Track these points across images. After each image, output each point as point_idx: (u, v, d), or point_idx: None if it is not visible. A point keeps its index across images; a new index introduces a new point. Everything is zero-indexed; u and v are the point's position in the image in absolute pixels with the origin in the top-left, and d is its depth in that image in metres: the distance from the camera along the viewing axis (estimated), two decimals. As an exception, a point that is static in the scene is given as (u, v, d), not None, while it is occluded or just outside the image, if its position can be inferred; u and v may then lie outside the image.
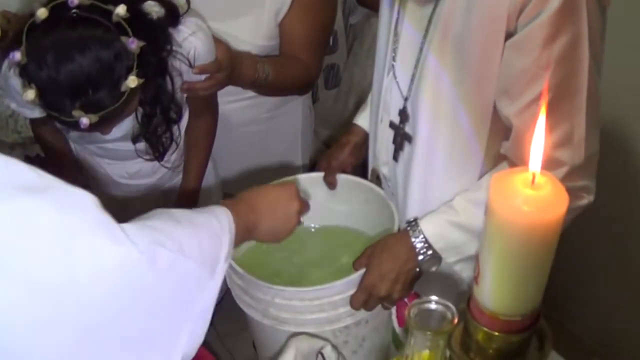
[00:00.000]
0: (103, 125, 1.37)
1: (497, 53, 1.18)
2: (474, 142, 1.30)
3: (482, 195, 1.28)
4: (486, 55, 1.19)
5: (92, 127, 1.34)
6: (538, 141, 0.84)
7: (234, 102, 1.93)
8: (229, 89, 1.77)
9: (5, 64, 1.48)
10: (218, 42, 1.62)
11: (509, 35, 1.16)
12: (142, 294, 0.86)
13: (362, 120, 1.69)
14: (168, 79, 1.52)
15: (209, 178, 1.95)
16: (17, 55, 1.31)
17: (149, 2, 1.45)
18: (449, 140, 1.32)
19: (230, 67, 1.64)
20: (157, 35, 1.44)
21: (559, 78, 1.14)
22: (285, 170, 2.12)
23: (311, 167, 2.20)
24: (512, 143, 1.24)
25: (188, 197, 1.85)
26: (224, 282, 2.52)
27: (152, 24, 1.43)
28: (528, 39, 1.14)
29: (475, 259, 0.92)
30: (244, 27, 1.83)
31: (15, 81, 1.43)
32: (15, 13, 2.47)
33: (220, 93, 1.80)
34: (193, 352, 0.97)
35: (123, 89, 1.33)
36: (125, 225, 0.85)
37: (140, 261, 0.84)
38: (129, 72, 1.34)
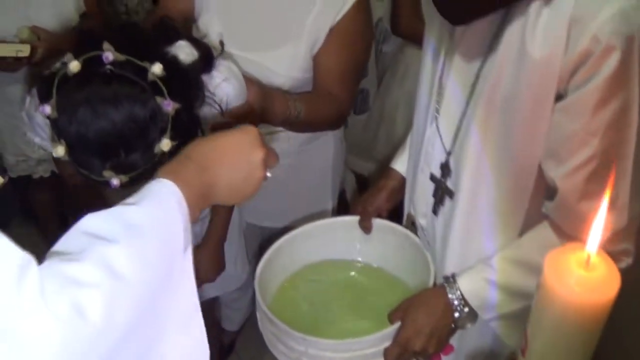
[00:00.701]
0: (133, 185, 1.34)
1: (546, 114, 1.17)
2: (516, 201, 1.29)
3: (521, 255, 1.30)
4: (535, 115, 1.19)
5: (122, 187, 1.30)
6: (598, 223, 0.85)
7: (265, 136, 1.91)
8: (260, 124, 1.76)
9: (28, 99, 1.46)
10: (250, 83, 1.59)
11: (558, 97, 1.16)
12: (89, 354, 0.77)
13: (400, 164, 1.70)
14: (200, 134, 1.48)
15: (234, 215, 1.96)
16: (47, 109, 1.26)
17: (180, 42, 1.39)
18: (491, 198, 1.31)
19: (261, 107, 1.62)
20: (192, 92, 1.40)
21: (607, 144, 1.14)
22: (315, 203, 2.15)
23: (340, 198, 2.19)
24: (555, 205, 1.24)
25: (215, 237, 1.85)
26: (247, 307, 2.53)
27: (187, 80, 1.39)
28: (579, 103, 1.13)
29: (524, 333, 0.94)
30: (279, 59, 1.84)
31: (40, 118, 1.41)
32: (45, 29, 2.51)
33: (251, 127, 1.79)
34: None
35: (156, 150, 1.30)
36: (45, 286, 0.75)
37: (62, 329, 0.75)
38: (162, 133, 1.30)
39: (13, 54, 2.45)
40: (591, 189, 1.16)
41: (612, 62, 1.07)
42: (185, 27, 1.52)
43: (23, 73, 2.62)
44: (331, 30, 1.82)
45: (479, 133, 1.28)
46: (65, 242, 0.83)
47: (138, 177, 1.29)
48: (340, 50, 1.84)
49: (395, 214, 1.70)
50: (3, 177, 1.34)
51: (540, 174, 1.25)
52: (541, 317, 0.91)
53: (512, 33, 1.18)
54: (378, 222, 1.66)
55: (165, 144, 1.29)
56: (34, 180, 2.91)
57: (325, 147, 2.14)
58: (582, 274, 0.85)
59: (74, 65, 1.25)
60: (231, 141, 1.05)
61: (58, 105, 1.26)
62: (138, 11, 2.94)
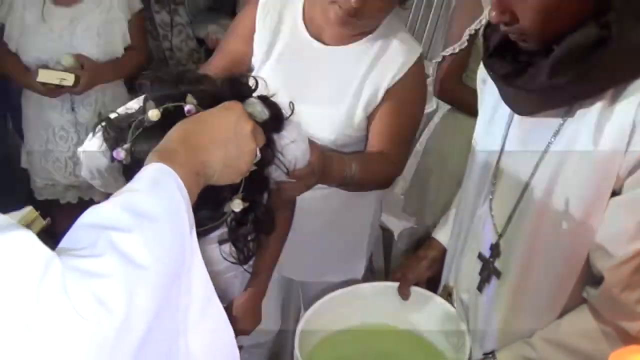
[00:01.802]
0: (201, 238, 1.37)
1: (602, 207, 1.24)
2: (562, 285, 1.35)
3: (559, 336, 1.36)
4: (591, 207, 1.25)
5: None
6: None
7: (311, 191, 1.94)
8: None
9: (95, 140, 1.45)
10: (312, 145, 1.65)
11: (614, 193, 1.23)
12: (117, 347, 0.79)
13: (442, 235, 1.75)
14: (266, 194, 1.54)
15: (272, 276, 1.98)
16: (122, 154, 1.26)
17: (252, 100, 1.43)
18: (539, 281, 1.37)
19: (321, 170, 1.68)
20: (266, 154, 1.41)
21: None
22: (349, 259, 2.19)
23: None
24: (600, 294, 1.29)
25: (256, 292, 1.89)
26: (266, 354, 2.52)
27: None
28: (634, 201, 1.21)
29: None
30: (335, 116, 1.90)
31: (102, 162, 1.44)
32: (89, 58, 2.56)
33: (294, 182, 1.84)
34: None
35: (225, 209, 1.33)
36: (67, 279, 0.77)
37: (90, 328, 0.77)
38: (234, 193, 1.32)
39: (56, 81, 2.49)
40: (635, 281, 1.24)
41: None
42: (256, 84, 1.57)
43: (61, 100, 2.66)
44: (387, 91, 1.89)
45: (534, 220, 1.34)
46: (73, 237, 0.84)
47: (204, 234, 1.31)
48: (394, 112, 1.91)
49: (433, 283, 1.75)
50: (44, 218, 1.35)
51: (587, 261, 1.31)
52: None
53: (576, 127, 1.26)
54: (416, 290, 1.71)
55: (236, 204, 1.32)
56: (60, 205, 2.93)
57: (366, 206, 2.18)
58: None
59: (153, 114, 1.25)
60: (217, 118, 1.08)
61: (132, 152, 1.27)
62: (182, 48, 3.00)
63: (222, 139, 1.05)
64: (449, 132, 2.59)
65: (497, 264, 1.44)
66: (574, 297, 1.36)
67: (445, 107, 2.70)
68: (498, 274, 1.44)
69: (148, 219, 0.86)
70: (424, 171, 2.74)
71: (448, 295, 1.67)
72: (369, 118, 1.92)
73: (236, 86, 1.46)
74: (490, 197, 1.46)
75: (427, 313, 1.69)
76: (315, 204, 2.03)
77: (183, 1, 2.98)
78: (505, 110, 1.40)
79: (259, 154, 1.14)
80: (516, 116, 1.38)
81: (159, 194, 0.90)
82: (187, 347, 0.92)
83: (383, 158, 1.92)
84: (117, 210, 0.86)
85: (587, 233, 1.27)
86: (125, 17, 2.70)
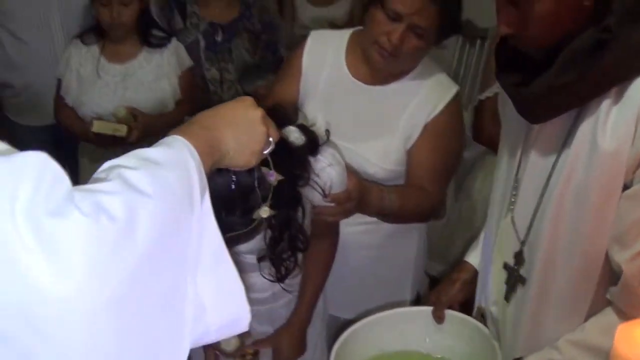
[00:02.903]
0: (230, 244, 1.45)
1: (614, 203, 1.31)
2: (584, 286, 1.40)
3: (585, 338, 1.39)
4: (604, 205, 1.32)
5: None
6: None
7: (353, 225, 2.05)
8: None
9: None
10: (350, 173, 1.77)
11: (625, 187, 1.29)
12: (117, 257, 0.82)
13: (473, 258, 1.82)
14: (300, 210, 1.64)
15: (318, 303, 2.05)
16: None
17: (290, 128, 1.58)
18: (562, 284, 1.42)
19: (359, 197, 1.77)
20: (297, 168, 1.56)
21: None
22: (393, 298, 2.21)
23: (416, 298, 2.28)
24: (620, 289, 1.34)
25: (300, 320, 1.96)
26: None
27: (295, 156, 1.56)
28: None
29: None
30: (375, 151, 2.01)
31: None
32: (141, 111, 2.69)
33: (340, 215, 1.95)
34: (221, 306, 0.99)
35: (254, 216, 1.42)
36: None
37: (90, 223, 0.80)
38: (263, 201, 1.42)
39: (110, 132, 2.62)
40: None
41: None
42: (296, 114, 1.73)
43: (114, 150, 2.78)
44: (425, 127, 2.00)
45: (552, 223, 1.40)
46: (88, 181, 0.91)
47: (234, 239, 1.40)
48: (432, 146, 2.01)
49: (466, 306, 1.80)
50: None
51: (607, 261, 1.36)
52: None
53: (584, 129, 1.33)
54: (450, 313, 1.76)
55: (264, 211, 1.42)
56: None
57: (408, 242, 2.25)
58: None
59: None
60: (229, 106, 1.17)
61: None
62: (232, 103, 3.11)
63: (233, 119, 1.14)
64: (489, 177, 2.63)
65: (522, 271, 1.50)
66: (599, 302, 1.40)
67: (486, 152, 2.74)
68: (523, 281, 1.49)
69: (154, 163, 0.94)
70: (468, 217, 2.77)
71: (481, 317, 1.71)
72: (408, 153, 2.02)
73: (276, 114, 1.57)
74: (512, 206, 1.53)
75: (461, 335, 1.73)
76: (359, 238, 2.12)
77: (232, 59, 3.12)
78: (522, 124, 1.48)
79: (272, 143, 1.22)
80: (533, 130, 1.46)
81: (166, 149, 0.98)
82: (196, 293, 0.96)
83: (422, 191, 2.01)
84: (128, 157, 0.95)
85: (603, 230, 1.33)
86: (175, 73, 2.86)
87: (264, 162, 1.39)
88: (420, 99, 2.00)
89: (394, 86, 2.03)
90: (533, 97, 1.35)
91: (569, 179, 1.36)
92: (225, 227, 1.35)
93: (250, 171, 1.38)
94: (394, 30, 1.84)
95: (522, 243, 1.49)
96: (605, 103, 1.29)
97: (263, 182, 1.41)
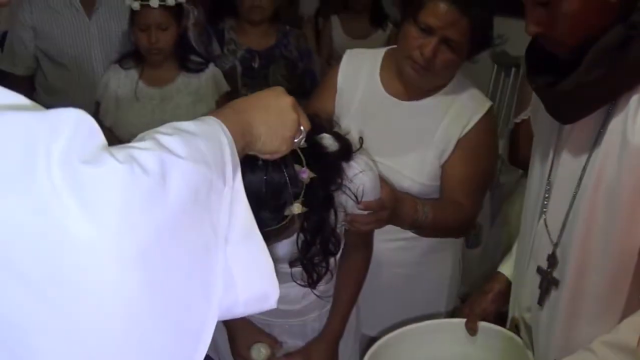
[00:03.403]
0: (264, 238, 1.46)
1: None
2: (618, 286, 1.38)
3: (619, 339, 1.36)
4: (636, 201, 1.31)
5: None
6: None
7: (388, 242, 2.06)
8: (385, 228, 1.90)
9: None
10: (383, 182, 1.78)
11: None
12: (149, 208, 0.82)
13: (507, 268, 1.81)
14: (332, 213, 1.64)
15: (351, 318, 2.04)
16: None
17: (324, 135, 1.61)
18: (595, 285, 1.41)
19: (392, 207, 1.78)
20: (330, 171, 1.58)
21: None
22: (427, 318, 2.16)
23: (451, 315, 2.26)
24: None
25: (332, 333, 1.95)
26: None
27: (328, 159, 1.59)
28: None
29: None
30: (409, 165, 2.03)
31: None
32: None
33: (377, 231, 1.93)
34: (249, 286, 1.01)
35: (286, 213, 1.44)
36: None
37: (125, 171, 0.81)
38: (295, 198, 1.44)
39: None
40: None
41: None
42: (330, 124, 1.74)
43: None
44: (458, 141, 2.02)
45: (585, 223, 1.40)
46: None
47: (267, 234, 1.39)
48: (467, 161, 2.02)
49: (501, 317, 1.78)
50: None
51: None
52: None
53: (614, 126, 1.33)
54: (483, 325, 1.75)
55: (297, 207, 1.44)
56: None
57: (444, 261, 2.25)
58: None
59: None
60: (261, 94, 1.20)
61: None
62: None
63: (264, 105, 1.17)
64: (517, 201, 2.61)
65: (555, 273, 1.49)
66: (633, 302, 1.38)
67: (523, 176, 2.72)
68: (556, 283, 1.48)
69: (187, 132, 0.96)
70: (507, 243, 2.74)
71: (515, 327, 1.70)
72: (443, 167, 2.03)
73: (311, 122, 1.59)
74: (545, 209, 1.53)
75: (494, 347, 1.71)
76: (394, 256, 2.12)
77: (268, 85, 3.15)
78: (553, 126, 1.48)
79: (304, 132, 1.24)
80: (564, 130, 1.47)
81: (200, 123, 1.01)
82: (226, 264, 0.98)
83: (456, 205, 2.01)
84: (161, 127, 0.98)
85: (636, 228, 1.32)
86: (213, 98, 2.89)
87: (297, 160, 1.43)
88: (454, 114, 2.02)
89: (427, 101, 2.05)
90: (563, 96, 1.35)
91: (600, 178, 1.35)
92: (257, 222, 1.38)
93: (282, 167, 1.40)
94: (427, 44, 1.87)
95: (555, 245, 1.48)
96: (635, 98, 1.29)
97: (295, 179, 1.43)
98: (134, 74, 2.84)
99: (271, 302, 1.07)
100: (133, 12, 2.70)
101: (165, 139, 0.91)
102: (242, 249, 1.01)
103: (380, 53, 2.14)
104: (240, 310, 1.03)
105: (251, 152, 1.18)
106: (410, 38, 1.90)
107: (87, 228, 0.77)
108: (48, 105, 0.84)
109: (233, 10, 3.30)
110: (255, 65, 3.14)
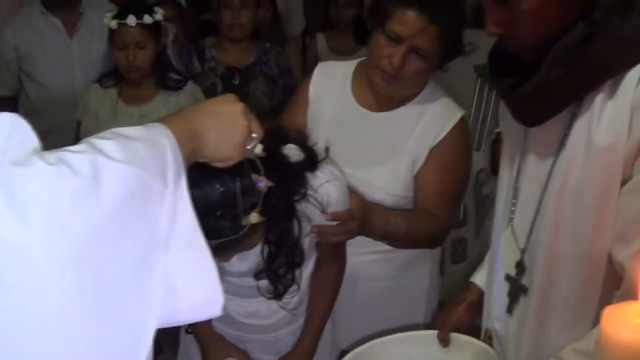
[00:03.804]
0: (220, 252, 1.45)
1: (614, 200, 1.25)
2: (588, 292, 1.33)
3: (591, 347, 1.30)
4: (603, 203, 1.26)
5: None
6: None
7: (363, 255, 2.02)
8: (361, 241, 1.87)
9: None
10: (352, 192, 1.76)
11: (624, 182, 1.23)
12: (80, 208, 0.82)
13: (479, 278, 1.76)
14: (296, 223, 1.61)
15: (326, 332, 2.01)
16: None
17: (290, 145, 1.60)
18: (564, 292, 1.36)
19: (362, 217, 1.74)
20: (291, 180, 1.56)
21: None
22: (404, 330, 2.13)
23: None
24: (624, 289, 1.26)
25: (305, 348, 1.92)
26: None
27: (288, 168, 1.57)
28: None
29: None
30: (382, 177, 1.99)
31: None
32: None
33: (350, 244, 1.90)
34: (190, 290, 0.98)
35: (244, 222, 1.42)
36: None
37: (53, 172, 0.82)
38: (252, 208, 1.42)
39: None
40: None
41: None
42: (298, 135, 1.73)
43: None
44: (431, 151, 1.98)
45: (551, 227, 1.35)
46: None
47: (225, 245, 1.41)
48: (439, 171, 1.99)
49: (475, 330, 1.73)
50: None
51: (611, 264, 1.29)
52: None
53: (579, 127, 1.29)
54: (456, 337, 1.71)
55: (254, 217, 1.42)
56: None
57: (421, 274, 2.20)
58: (640, 322, 0.92)
59: None
60: (211, 101, 1.20)
61: None
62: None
63: (214, 112, 1.15)
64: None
65: (524, 280, 1.45)
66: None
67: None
68: (525, 290, 1.44)
69: (125, 136, 0.95)
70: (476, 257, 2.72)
71: (489, 338, 1.64)
72: (415, 178, 2.00)
73: (277, 133, 1.62)
74: (512, 216, 1.49)
75: (467, 358, 1.66)
76: (370, 269, 2.08)
77: (249, 102, 3.12)
78: (520, 131, 1.45)
79: (256, 139, 1.22)
80: (530, 134, 1.43)
81: (141, 128, 1.00)
82: (167, 271, 0.95)
83: (429, 216, 1.98)
84: (102, 133, 0.96)
85: (603, 231, 1.27)
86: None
87: (255, 169, 1.41)
88: (425, 124, 1.99)
89: (399, 111, 2.02)
90: (525, 98, 1.32)
91: (566, 181, 1.31)
92: (214, 232, 1.37)
93: (237, 176, 1.38)
94: (395, 53, 1.84)
95: (523, 251, 1.44)
96: (599, 98, 1.25)
97: (252, 188, 1.41)
98: (113, 92, 2.81)
99: (216, 309, 1.04)
100: (111, 31, 2.68)
101: (100, 143, 0.90)
102: (185, 254, 0.99)
103: (352, 65, 2.11)
104: (184, 316, 1.02)
105: (202, 159, 1.16)
106: (379, 47, 1.87)
107: (16, 229, 0.78)
108: (31, 126, 0.86)
109: (214, 28, 3.30)
110: (236, 82, 3.12)
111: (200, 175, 1.33)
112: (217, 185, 1.37)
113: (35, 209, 0.79)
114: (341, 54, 3.98)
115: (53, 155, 0.84)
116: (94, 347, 0.86)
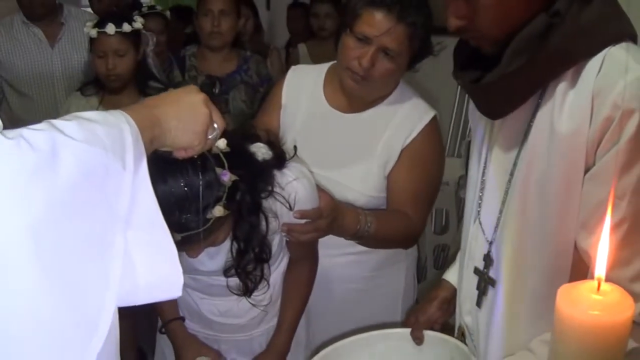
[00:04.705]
0: (186, 246, 1.44)
1: (578, 188, 1.23)
2: (556, 283, 1.26)
3: None
4: (567, 191, 1.24)
5: (177, 246, 1.38)
6: (603, 247, 0.91)
7: (337, 257, 2.01)
8: (335, 242, 1.86)
9: None
10: (321, 191, 1.74)
11: (587, 170, 1.22)
12: (37, 182, 0.83)
13: (451, 275, 1.74)
14: (263, 219, 1.60)
15: (300, 333, 1.99)
16: None
17: (258, 144, 1.60)
18: (532, 284, 1.33)
19: (332, 216, 1.72)
20: (256, 175, 1.55)
21: (634, 207, 1.17)
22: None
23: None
24: (590, 277, 1.21)
25: (279, 347, 1.90)
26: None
27: (253, 163, 1.56)
28: (604, 169, 1.19)
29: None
30: (354, 177, 1.98)
31: None
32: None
33: (324, 246, 1.89)
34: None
35: (209, 216, 1.41)
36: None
37: (10, 145, 0.83)
38: (217, 201, 1.41)
39: None
40: (622, 256, 1.17)
41: (632, 123, 1.14)
42: (266, 134, 1.72)
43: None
44: (402, 151, 1.97)
45: (517, 219, 1.33)
46: None
47: (190, 238, 1.40)
48: (411, 171, 1.97)
49: (449, 327, 1.71)
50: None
51: (578, 255, 1.27)
52: (561, 348, 0.94)
53: (542, 117, 1.27)
54: (429, 334, 1.68)
55: (218, 210, 1.41)
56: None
57: (396, 275, 2.18)
58: (595, 297, 0.90)
59: None
60: (172, 92, 1.22)
61: None
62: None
63: (175, 100, 1.17)
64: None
65: (492, 273, 1.42)
66: None
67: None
68: (493, 283, 1.41)
69: (84, 119, 0.96)
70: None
71: (462, 335, 1.61)
72: (388, 178, 1.98)
73: (245, 131, 1.64)
74: (479, 209, 1.47)
75: (440, 355, 1.64)
76: (345, 271, 2.07)
77: (229, 111, 3.13)
78: (486, 125, 1.44)
79: (217, 130, 1.23)
80: (495, 126, 1.41)
81: (102, 113, 1.00)
82: (126, 249, 0.96)
83: (401, 216, 1.96)
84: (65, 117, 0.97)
85: (569, 220, 1.25)
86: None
87: (218, 163, 1.40)
88: (396, 124, 1.98)
89: (370, 112, 2.01)
90: (488, 90, 1.30)
91: (531, 171, 1.29)
92: (179, 225, 1.36)
93: (202, 172, 1.37)
94: (364, 54, 1.83)
95: (490, 244, 1.42)
96: (561, 87, 1.23)
97: (216, 181, 1.40)
98: (94, 100, 2.78)
99: (176, 290, 1.05)
100: (92, 40, 2.67)
101: (60, 123, 0.91)
102: (144, 234, 1.00)
103: (324, 68, 2.11)
104: (142, 296, 1.02)
105: (164, 147, 1.16)
106: (348, 49, 1.86)
107: None
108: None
109: (195, 38, 3.30)
110: (216, 91, 3.10)
111: (164, 168, 1.33)
112: (181, 179, 1.36)
113: None
114: (322, 62, 4.00)
115: (13, 131, 0.85)
116: (51, 322, 0.85)
